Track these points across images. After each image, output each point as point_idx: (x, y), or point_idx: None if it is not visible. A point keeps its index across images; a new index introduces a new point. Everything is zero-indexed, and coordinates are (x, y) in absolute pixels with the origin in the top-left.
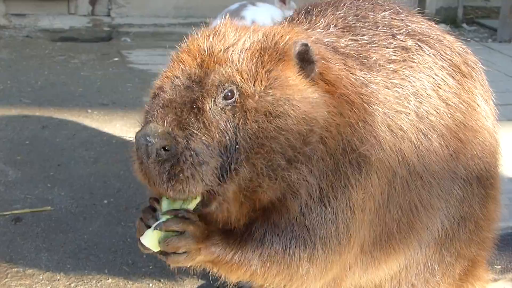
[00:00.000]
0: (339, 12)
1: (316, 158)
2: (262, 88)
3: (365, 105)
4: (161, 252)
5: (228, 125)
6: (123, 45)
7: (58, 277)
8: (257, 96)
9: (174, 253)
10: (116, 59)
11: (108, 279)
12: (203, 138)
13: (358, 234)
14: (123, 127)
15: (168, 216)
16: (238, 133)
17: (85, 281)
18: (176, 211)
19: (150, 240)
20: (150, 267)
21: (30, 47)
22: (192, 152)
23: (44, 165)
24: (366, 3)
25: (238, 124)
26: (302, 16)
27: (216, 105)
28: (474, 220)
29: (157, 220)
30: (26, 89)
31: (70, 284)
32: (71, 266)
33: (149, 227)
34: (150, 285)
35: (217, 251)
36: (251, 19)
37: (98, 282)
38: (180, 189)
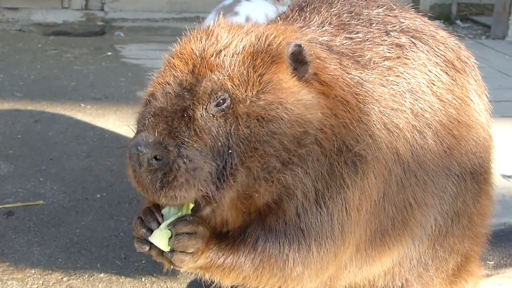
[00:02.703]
0: (333, 9)
1: (311, 159)
2: (254, 93)
3: (360, 104)
4: (163, 252)
5: (220, 131)
6: (116, 39)
7: (50, 271)
8: (248, 101)
9: (181, 252)
10: (109, 53)
11: (101, 273)
12: (195, 145)
13: (354, 235)
14: (116, 122)
15: (175, 217)
16: (230, 139)
17: (77, 276)
18: (184, 216)
19: (160, 239)
20: (143, 262)
21: (23, 41)
22: (185, 159)
23: (36, 159)
24: None
25: (230, 130)
26: (296, 13)
27: (207, 112)
28: (467, 215)
29: (158, 221)
30: (19, 83)
31: (62, 278)
32: (63, 261)
33: (149, 229)
34: (143, 279)
35: (210, 255)
36: (245, 15)
37: (91, 277)
38: (173, 196)
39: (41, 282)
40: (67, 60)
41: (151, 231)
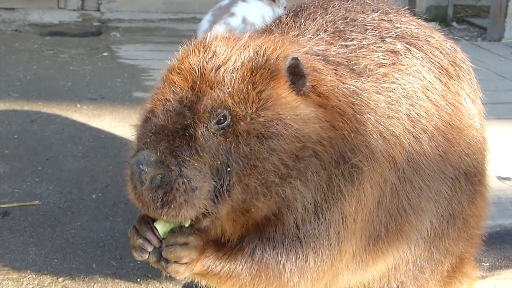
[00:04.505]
0: (328, 15)
1: (310, 172)
2: (254, 110)
3: (356, 114)
4: (160, 261)
5: (220, 149)
6: (113, 40)
7: (46, 272)
8: (248, 119)
9: (175, 262)
10: (105, 54)
11: (96, 273)
12: (195, 164)
13: (350, 243)
14: (112, 122)
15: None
16: (230, 157)
17: (73, 276)
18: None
19: (162, 226)
20: (138, 262)
21: (19, 41)
22: (185, 180)
23: (32, 159)
24: (355, 3)
25: (230, 148)
26: (291, 19)
27: (208, 130)
28: (462, 217)
29: (153, 231)
30: (15, 83)
31: (57, 278)
32: (59, 261)
33: (145, 239)
34: (138, 280)
35: (207, 263)
36: (241, 16)
37: (86, 277)
38: (174, 214)
39: (36, 282)
40: (63, 60)
41: (147, 241)
